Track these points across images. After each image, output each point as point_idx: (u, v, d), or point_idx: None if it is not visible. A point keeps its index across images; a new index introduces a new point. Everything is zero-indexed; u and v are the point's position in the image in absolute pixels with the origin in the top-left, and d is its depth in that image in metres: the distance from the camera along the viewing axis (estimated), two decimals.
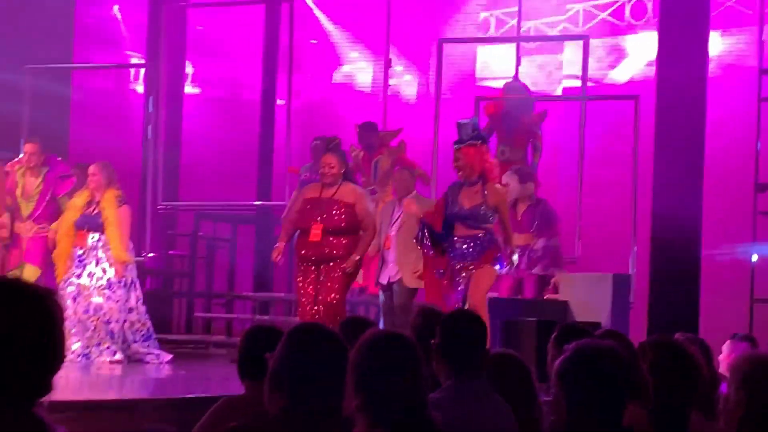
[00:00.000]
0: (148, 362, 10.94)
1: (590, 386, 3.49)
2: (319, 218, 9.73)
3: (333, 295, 9.73)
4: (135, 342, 10.98)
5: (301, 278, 9.90)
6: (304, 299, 9.88)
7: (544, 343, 6.30)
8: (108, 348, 10.79)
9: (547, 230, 11.67)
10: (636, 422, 3.96)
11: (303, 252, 9.88)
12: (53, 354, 2.81)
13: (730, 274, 12.77)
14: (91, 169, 11.18)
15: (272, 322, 11.53)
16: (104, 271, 10.95)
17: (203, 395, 8.05)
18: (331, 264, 9.74)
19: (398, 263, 10.89)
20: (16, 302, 2.73)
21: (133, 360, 10.89)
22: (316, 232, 9.71)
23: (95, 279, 10.91)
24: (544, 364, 5.82)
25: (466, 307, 9.42)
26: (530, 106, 13.17)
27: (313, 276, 9.80)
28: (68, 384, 8.39)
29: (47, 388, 2.80)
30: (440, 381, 4.80)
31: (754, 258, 12.38)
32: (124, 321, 10.96)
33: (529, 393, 4.86)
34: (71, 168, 12.44)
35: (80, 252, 11.05)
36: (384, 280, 10.98)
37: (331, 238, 9.76)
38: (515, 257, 10.15)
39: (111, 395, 8.91)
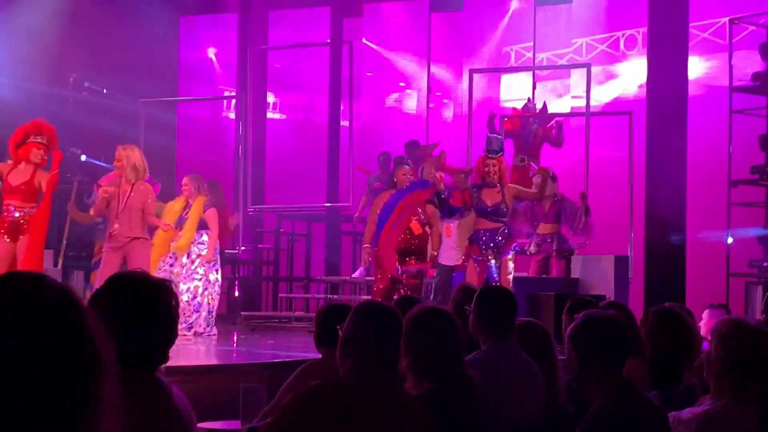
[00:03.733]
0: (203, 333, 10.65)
1: (595, 346, 3.53)
2: (414, 218, 9.92)
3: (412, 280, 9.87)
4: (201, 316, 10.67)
5: (397, 266, 9.88)
6: (391, 284, 9.83)
7: (560, 312, 6.30)
8: (198, 323, 10.63)
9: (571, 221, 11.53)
10: (635, 374, 3.97)
11: (402, 246, 9.91)
12: (170, 331, 2.87)
13: (709, 254, 12.66)
14: (184, 180, 11.12)
15: (341, 301, 11.53)
16: (192, 262, 10.74)
17: (287, 359, 8.09)
18: (412, 256, 9.95)
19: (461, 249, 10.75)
20: (142, 292, 2.79)
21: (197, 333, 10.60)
22: (417, 227, 9.88)
23: (185, 269, 10.70)
24: (560, 330, 5.82)
25: None
26: (545, 121, 13.14)
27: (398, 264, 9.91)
28: (176, 353, 8.40)
29: (165, 357, 2.85)
30: (479, 344, 4.76)
31: (729, 240, 12.28)
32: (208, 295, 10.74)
33: (549, 353, 4.85)
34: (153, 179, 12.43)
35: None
36: (450, 262, 10.65)
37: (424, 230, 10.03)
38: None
39: (213, 361, 8.95)
